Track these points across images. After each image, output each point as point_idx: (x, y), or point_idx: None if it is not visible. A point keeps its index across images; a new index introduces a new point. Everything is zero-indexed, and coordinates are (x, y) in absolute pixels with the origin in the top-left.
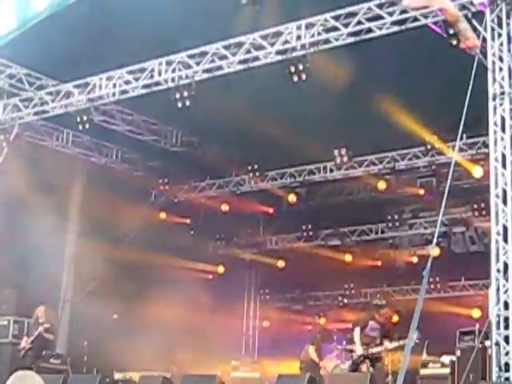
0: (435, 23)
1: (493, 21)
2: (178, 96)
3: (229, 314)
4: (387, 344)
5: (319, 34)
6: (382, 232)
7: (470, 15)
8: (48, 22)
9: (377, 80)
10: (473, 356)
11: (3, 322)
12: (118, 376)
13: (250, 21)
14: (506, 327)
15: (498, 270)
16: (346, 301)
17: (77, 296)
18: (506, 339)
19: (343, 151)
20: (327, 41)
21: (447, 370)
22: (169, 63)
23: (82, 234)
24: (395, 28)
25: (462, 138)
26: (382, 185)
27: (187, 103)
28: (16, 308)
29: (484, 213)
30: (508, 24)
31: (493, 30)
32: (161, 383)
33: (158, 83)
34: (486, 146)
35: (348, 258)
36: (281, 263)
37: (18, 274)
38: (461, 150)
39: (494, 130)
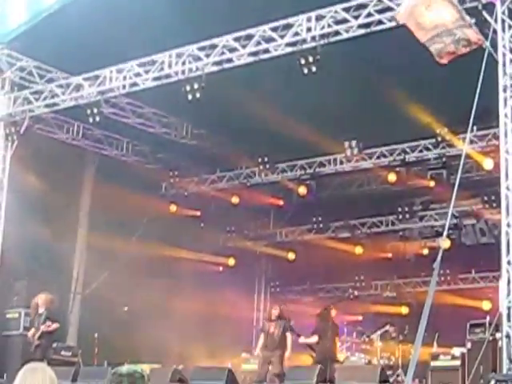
0: None
1: (503, 13)
2: (188, 88)
3: (239, 307)
4: None
5: (329, 25)
6: (393, 224)
7: (480, 7)
8: (58, 15)
9: (387, 72)
10: (483, 348)
11: (14, 315)
12: None
13: (260, 13)
14: None
15: (509, 262)
16: (356, 293)
17: (87, 288)
18: None
19: (353, 143)
20: (337, 33)
21: (458, 362)
22: (179, 56)
23: (93, 227)
24: None
25: (472, 130)
26: (392, 177)
27: (197, 95)
28: (27, 300)
29: (494, 205)
30: None
31: (503, 21)
32: (172, 375)
33: (168, 76)
34: (496, 137)
35: (358, 250)
36: (291, 255)
37: (28, 266)
38: (471, 141)
39: (504, 121)
